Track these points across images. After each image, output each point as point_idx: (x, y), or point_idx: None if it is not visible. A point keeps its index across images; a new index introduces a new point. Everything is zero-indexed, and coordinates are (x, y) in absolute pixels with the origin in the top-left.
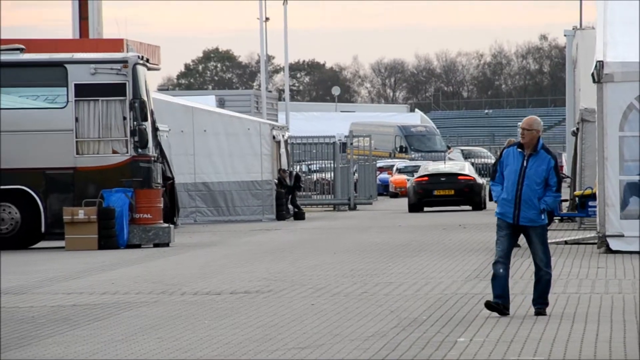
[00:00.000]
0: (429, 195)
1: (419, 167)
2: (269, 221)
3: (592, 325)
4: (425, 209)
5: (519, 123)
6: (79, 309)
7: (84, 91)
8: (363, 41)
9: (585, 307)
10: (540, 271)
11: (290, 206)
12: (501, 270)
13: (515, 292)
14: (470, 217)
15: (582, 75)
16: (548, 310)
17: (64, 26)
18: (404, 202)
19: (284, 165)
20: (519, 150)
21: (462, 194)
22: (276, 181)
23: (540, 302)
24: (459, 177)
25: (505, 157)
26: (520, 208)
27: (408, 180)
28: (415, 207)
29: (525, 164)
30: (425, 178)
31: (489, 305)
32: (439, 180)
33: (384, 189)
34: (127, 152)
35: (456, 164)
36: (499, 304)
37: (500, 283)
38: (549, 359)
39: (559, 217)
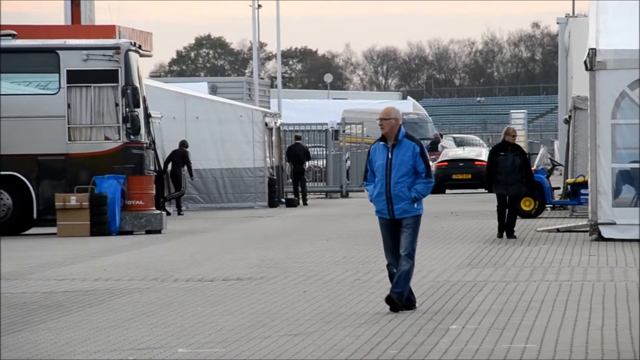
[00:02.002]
0: (448, 179)
1: None
2: (261, 208)
3: (584, 313)
4: (447, 191)
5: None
6: (71, 295)
7: (76, 77)
8: (355, 28)
9: (577, 294)
10: (402, 260)
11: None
12: (394, 270)
13: (507, 279)
14: (468, 205)
15: (575, 62)
16: (540, 296)
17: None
18: None
19: (275, 153)
20: (382, 143)
21: (479, 177)
22: (270, 169)
23: (397, 292)
24: (476, 163)
25: (372, 154)
26: (392, 202)
27: None
28: (435, 189)
29: (390, 155)
30: (445, 163)
31: (388, 299)
32: (457, 165)
33: None
34: (120, 139)
35: (473, 150)
36: (404, 305)
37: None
38: (541, 346)
39: (551, 205)
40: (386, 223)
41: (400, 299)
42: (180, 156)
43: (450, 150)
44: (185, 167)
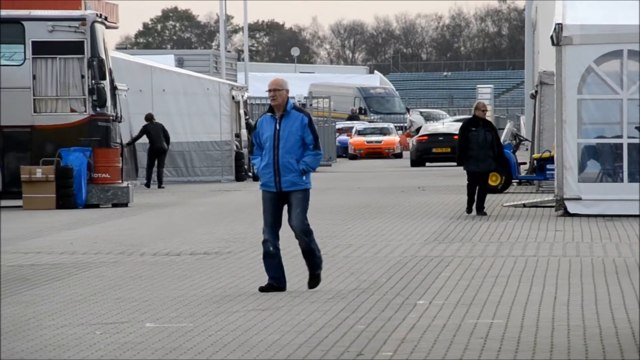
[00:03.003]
0: (429, 152)
1: (378, 129)
2: (228, 182)
3: (550, 288)
4: (427, 164)
5: (478, 86)
6: (38, 268)
7: (42, 49)
8: (322, 2)
9: (543, 270)
10: (300, 239)
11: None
12: (271, 249)
13: (473, 254)
14: (435, 180)
15: (541, 37)
16: (507, 272)
17: None
18: (363, 163)
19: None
20: (270, 115)
21: None
22: (236, 142)
23: (317, 273)
24: (455, 137)
25: (259, 127)
26: (280, 174)
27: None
28: (416, 163)
29: (278, 127)
30: (425, 137)
31: (263, 290)
32: (437, 140)
33: (343, 151)
34: (86, 111)
35: (452, 125)
36: (274, 286)
37: (272, 262)
38: (507, 321)
39: (518, 180)
40: (271, 197)
41: (316, 270)
42: (161, 130)
43: (430, 125)
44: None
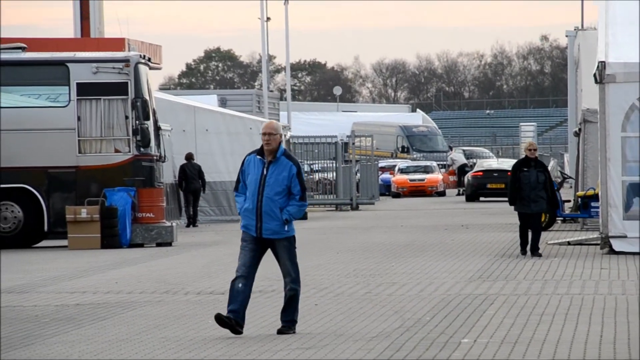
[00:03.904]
0: (483, 187)
1: (421, 167)
2: None
3: (595, 327)
4: (481, 198)
5: (521, 124)
6: (83, 308)
7: (86, 90)
8: (364, 41)
9: (589, 308)
10: (287, 286)
11: None
12: (240, 285)
13: (518, 292)
14: (479, 218)
15: (584, 75)
16: (552, 310)
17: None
18: (406, 201)
19: None
20: (259, 157)
21: None
22: None
23: (287, 320)
24: (509, 173)
25: (246, 166)
26: (262, 220)
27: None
28: (471, 197)
29: (265, 172)
30: (480, 173)
31: (219, 319)
32: (491, 175)
33: (386, 189)
34: (130, 151)
35: (506, 162)
36: (231, 319)
37: (238, 298)
38: None
39: (562, 218)
40: (251, 239)
41: (292, 327)
42: (197, 170)
43: (485, 161)
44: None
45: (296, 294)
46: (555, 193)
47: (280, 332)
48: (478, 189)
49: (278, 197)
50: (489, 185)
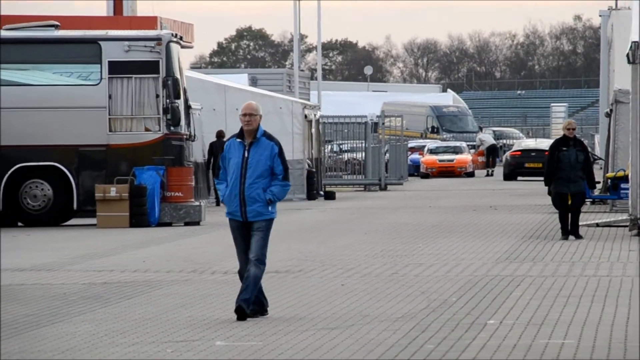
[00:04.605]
0: (521, 167)
1: (450, 147)
2: (300, 201)
3: (622, 309)
4: (519, 178)
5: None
6: (111, 286)
7: (118, 68)
8: (396, 21)
9: (616, 290)
10: (251, 265)
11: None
12: (246, 275)
13: (545, 274)
14: (508, 199)
15: (617, 56)
16: (579, 292)
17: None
18: (435, 182)
19: (315, 146)
20: (239, 140)
21: None
22: (308, 161)
23: (244, 299)
24: (546, 152)
25: (226, 151)
26: (246, 203)
27: (438, 161)
28: (509, 176)
29: (246, 154)
30: (518, 152)
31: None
32: (529, 155)
33: (415, 170)
34: (160, 130)
35: (544, 142)
36: (256, 310)
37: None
38: (579, 342)
39: (591, 200)
40: (238, 226)
41: (248, 306)
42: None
43: (522, 141)
44: None
45: (259, 272)
46: (593, 173)
47: (238, 311)
48: (516, 168)
49: (261, 179)
50: (526, 165)
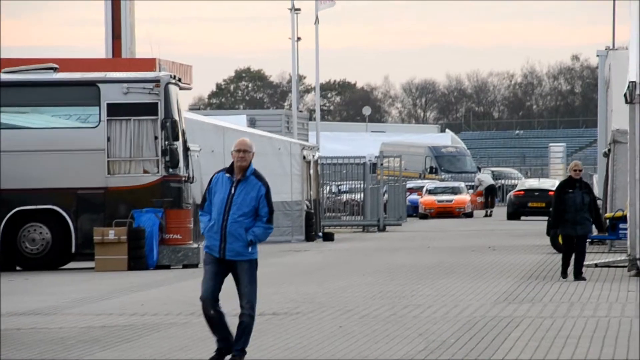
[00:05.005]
0: (524, 206)
1: (449, 188)
2: (298, 242)
3: (621, 350)
4: (522, 218)
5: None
6: (109, 330)
7: (116, 110)
8: (394, 61)
9: (615, 331)
10: (243, 312)
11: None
12: (212, 312)
13: (544, 314)
14: (506, 239)
15: (615, 95)
16: (577, 333)
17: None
18: (434, 223)
19: (313, 186)
20: (228, 175)
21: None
22: (307, 202)
23: (238, 349)
24: (550, 192)
25: (214, 184)
26: (226, 240)
27: (438, 201)
28: (512, 215)
29: (233, 190)
30: (522, 192)
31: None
32: (533, 195)
33: (414, 210)
34: (158, 172)
35: (547, 181)
36: (222, 351)
37: (216, 326)
38: None
39: (590, 240)
40: (213, 260)
41: (242, 356)
42: None
43: (526, 181)
44: None
45: (252, 321)
46: (601, 215)
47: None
48: (520, 207)
49: (244, 218)
50: (530, 204)
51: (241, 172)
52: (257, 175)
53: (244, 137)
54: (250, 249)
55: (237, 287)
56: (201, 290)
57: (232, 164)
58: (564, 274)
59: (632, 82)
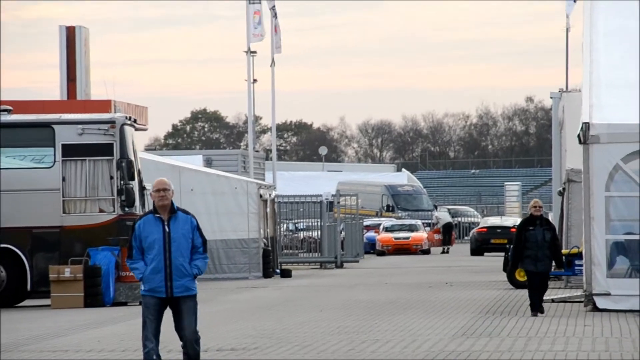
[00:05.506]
0: (487, 242)
1: (406, 225)
2: (256, 279)
3: None
4: (485, 254)
5: (506, 183)
6: None
7: (71, 151)
8: (350, 102)
9: None
10: (190, 346)
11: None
12: (155, 357)
13: (502, 349)
14: (463, 275)
15: (569, 136)
16: None
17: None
18: (391, 259)
19: (270, 224)
20: (157, 215)
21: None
22: (264, 240)
23: None
24: (512, 229)
25: (141, 229)
26: (172, 278)
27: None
28: (476, 252)
29: (167, 228)
30: (484, 229)
31: None
32: (495, 232)
33: (371, 247)
34: (114, 211)
35: (509, 219)
36: None
37: None
38: None
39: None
40: (156, 302)
41: None
42: None
43: (489, 219)
44: None
45: (199, 353)
46: (561, 252)
47: None
48: (482, 244)
49: (187, 252)
50: (492, 241)
51: (166, 210)
52: (182, 210)
53: (199, 176)
54: (195, 283)
55: (178, 322)
56: (144, 338)
57: (154, 206)
58: (534, 313)
59: (586, 123)
